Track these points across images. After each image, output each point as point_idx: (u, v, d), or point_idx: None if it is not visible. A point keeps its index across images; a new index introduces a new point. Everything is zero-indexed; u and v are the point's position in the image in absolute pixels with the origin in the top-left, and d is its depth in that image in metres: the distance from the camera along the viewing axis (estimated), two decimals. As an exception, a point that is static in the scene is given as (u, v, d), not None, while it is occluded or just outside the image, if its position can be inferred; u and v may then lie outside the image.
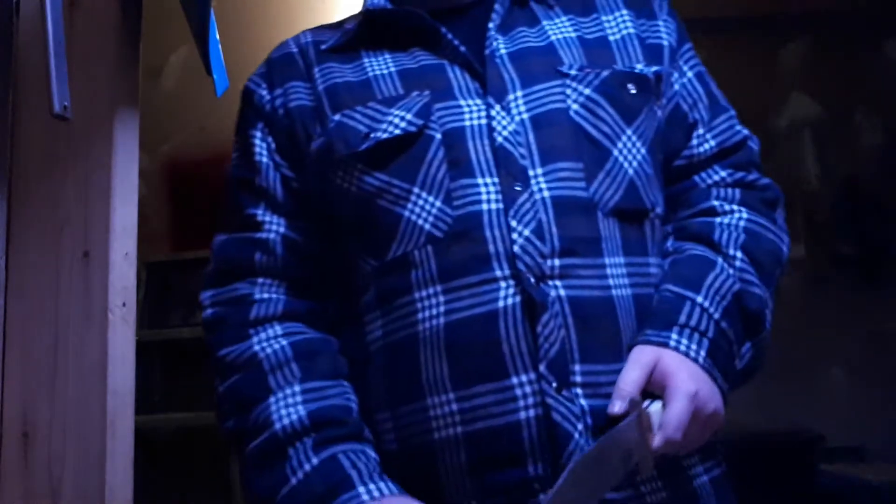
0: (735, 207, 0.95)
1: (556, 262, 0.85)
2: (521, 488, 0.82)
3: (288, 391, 0.89)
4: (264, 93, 0.98)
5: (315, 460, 0.85)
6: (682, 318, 0.86)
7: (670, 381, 0.81)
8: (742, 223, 0.94)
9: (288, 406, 0.88)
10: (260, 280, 0.94)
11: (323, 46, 0.99)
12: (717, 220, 0.94)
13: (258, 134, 0.97)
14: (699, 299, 0.87)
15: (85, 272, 0.94)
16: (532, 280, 0.84)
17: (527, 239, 0.85)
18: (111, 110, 0.96)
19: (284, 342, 0.91)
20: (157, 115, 2.41)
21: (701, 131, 0.98)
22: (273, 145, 0.96)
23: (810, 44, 2.71)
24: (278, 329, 0.92)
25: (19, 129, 0.98)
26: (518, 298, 0.83)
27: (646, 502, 0.83)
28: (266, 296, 0.93)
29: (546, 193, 0.87)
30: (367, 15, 0.98)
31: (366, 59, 0.96)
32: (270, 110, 0.96)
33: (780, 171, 2.63)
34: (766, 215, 0.96)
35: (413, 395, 0.86)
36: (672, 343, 0.84)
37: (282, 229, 0.94)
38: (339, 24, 1.03)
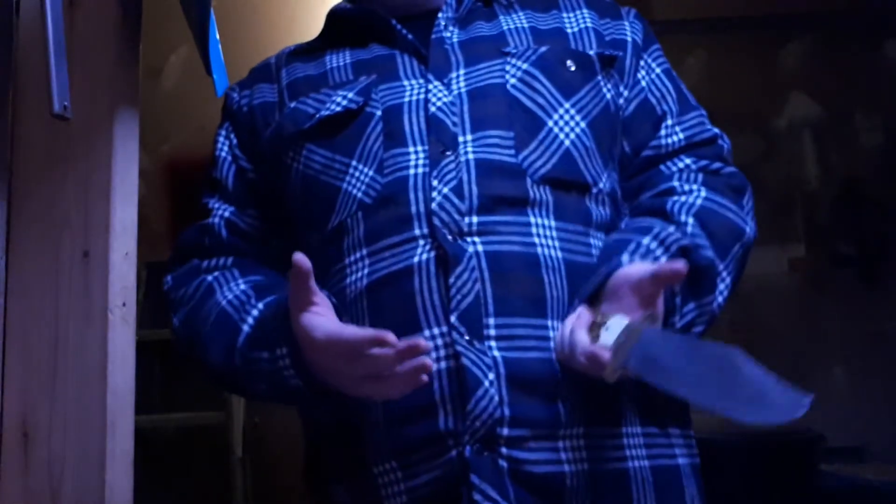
0: (695, 187, 0.94)
1: (475, 218, 0.86)
2: (435, 443, 0.81)
3: (233, 284, 0.96)
4: (235, 95, 1.06)
5: (261, 305, 0.90)
6: (631, 248, 0.85)
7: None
8: (699, 200, 0.93)
9: (232, 289, 0.95)
10: (206, 261, 1.01)
11: (294, 48, 1.07)
12: (675, 197, 0.93)
13: (223, 132, 1.05)
14: (645, 241, 0.86)
15: (85, 272, 0.94)
16: (448, 236, 0.85)
17: (445, 196, 0.86)
18: (111, 110, 0.96)
19: (235, 271, 0.99)
20: (157, 115, 2.40)
21: (669, 122, 0.99)
22: (235, 141, 1.04)
23: (810, 44, 2.71)
24: (229, 267, 1.00)
25: (19, 129, 0.98)
26: (433, 254, 0.85)
27: (559, 471, 0.81)
28: (215, 261, 1.00)
29: (471, 156, 0.89)
30: (329, 14, 1.06)
31: (328, 56, 1.03)
32: (236, 109, 1.05)
33: (780, 171, 2.64)
34: (728, 197, 0.94)
35: None
36: (624, 262, 0.83)
37: (226, 214, 1.01)
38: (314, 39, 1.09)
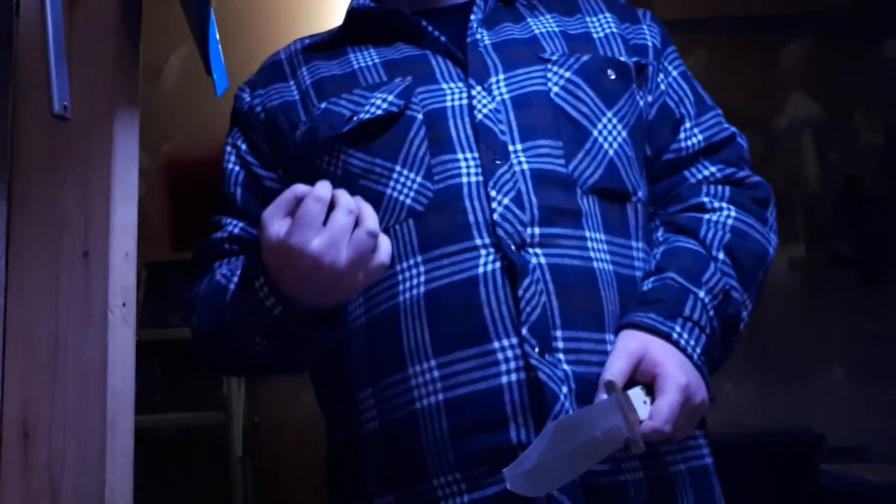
0: (724, 205, 0.95)
1: (537, 230, 0.86)
2: (504, 456, 0.80)
3: (233, 260, 0.98)
4: (246, 96, 1.03)
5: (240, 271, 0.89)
6: (687, 311, 0.86)
7: (661, 371, 0.81)
8: (730, 221, 0.94)
9: (229, 264, 0.97)
10: (218, 262, 1.00)
11: (308, 42, 1.04)
12: (706, 216, 0.95)
13: (230, 140, 1.03)
14: (701, 294, 0.88)
15: (85, 272, 0.94)
16: (512, 247, 0.84)
17: (506, 207, 0.86)
18: (111, 110, 0.96)
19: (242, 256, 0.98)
20: (157, 115, 2.41)
21: (688, 125, 1.00)
22: (245, 147, 1.01)
23: (810, 44, 2.71)
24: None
25: (19, 129, 0.98)
26: (498, 264, 0.84)
27: (622, 480, 0.83)
28: (226, 260, 1.00)
29: (525, 166, 0.88)
30: (351, 13, 1.03)
31: (351, 55, 1.00)
32: (248, 110, 1.02)
33: (780, 171, 2.64)
34: (755, 214, 0.96)
35: (395, 365, 0.86)
36: (674, 336, 0.84)
37: (236, 231, 1.00)
38: (328, 31, 1.07)
